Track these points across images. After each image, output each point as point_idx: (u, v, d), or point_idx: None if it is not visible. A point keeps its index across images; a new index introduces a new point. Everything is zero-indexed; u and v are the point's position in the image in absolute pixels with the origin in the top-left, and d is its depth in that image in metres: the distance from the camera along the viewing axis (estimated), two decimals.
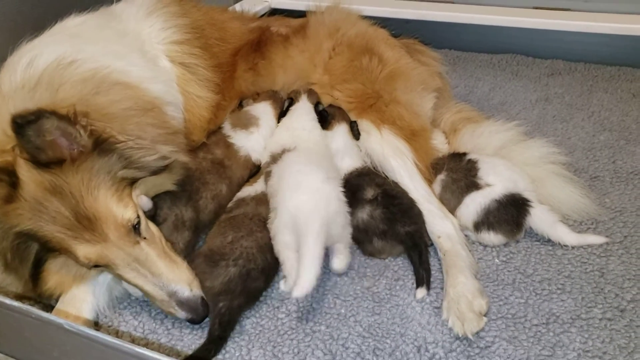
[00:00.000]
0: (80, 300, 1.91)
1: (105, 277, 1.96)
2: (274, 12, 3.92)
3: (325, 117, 2.43)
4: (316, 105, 2.48)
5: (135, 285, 1.80)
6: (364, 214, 2.13)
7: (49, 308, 1.93)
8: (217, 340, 1.83)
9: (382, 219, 2.11)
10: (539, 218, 2.17)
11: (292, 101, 2.48)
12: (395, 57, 2.60)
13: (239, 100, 2.59)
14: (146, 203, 1.90)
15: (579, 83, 3.41)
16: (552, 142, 2.54)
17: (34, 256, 1.75)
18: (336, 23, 2.68)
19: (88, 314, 1.91)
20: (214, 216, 2.21)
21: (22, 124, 1.51)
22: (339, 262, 2.03)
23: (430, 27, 3.83)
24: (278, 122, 2.48)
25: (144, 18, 2.34)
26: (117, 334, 1.92)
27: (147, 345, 1.86)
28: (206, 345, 1.82)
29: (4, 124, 1.64)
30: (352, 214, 2.11)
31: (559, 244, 2.18)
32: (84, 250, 1.68)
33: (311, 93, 2.52)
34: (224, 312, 1.86)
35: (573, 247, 2.17)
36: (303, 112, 2.43)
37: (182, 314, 1.80)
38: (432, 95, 2.66)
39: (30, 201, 1.63)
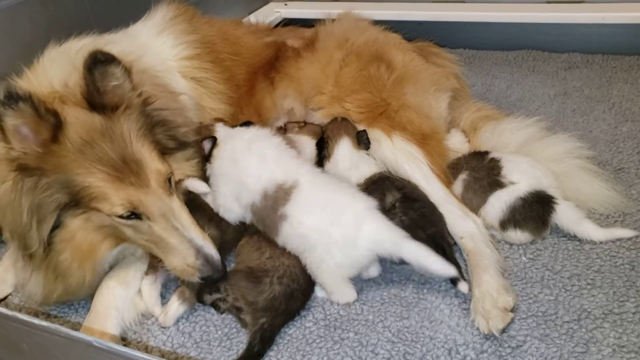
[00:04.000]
0: (104, 316, 1.92)
1: (128, 292, 1.99)
2: (287, 22, 3.93)
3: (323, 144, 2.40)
4: (321, 139, 2.43)
5: (163, 240, 1.83)
6: None
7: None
8: (255, 356, 1.82)
9: (402, 227, 2.08)
10: (565, 215, 2.15)
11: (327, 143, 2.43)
12: (404, 62, 2.59)
13: (284, 123, 2.58)
14: (204, 187, 2.09)
15: (597, 75, 3.38)
16: (574, 136, 2.51)
17: (58, 211, 1.76)
18: (345, 33, 2.68)
19: (113, 329, 1.92)
20: (237, 234, 2.19)
21: (102, 60, 1.72)
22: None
23: (443, 27, 3.84)
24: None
25: (155, 37, 2.42)
26: (146, 349, 1.92)
27: (176, 359, 1.87)
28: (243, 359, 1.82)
29: (53, 78, 1.86)
30: None
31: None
32: (126, 193, 1.75)
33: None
34: (267, 327, 1.85)
35: (601, 242, 2.14)
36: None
37: (204, 269, 1.85)
38: (447, 95, 2.65)
39: (76, 142, 1.71)
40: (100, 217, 1.80)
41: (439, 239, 2.09)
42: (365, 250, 1.94)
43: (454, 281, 2.00)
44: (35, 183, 1.71)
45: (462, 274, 1.99)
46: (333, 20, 2.78)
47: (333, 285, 2.00)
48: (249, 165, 2.10)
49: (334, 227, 1.93)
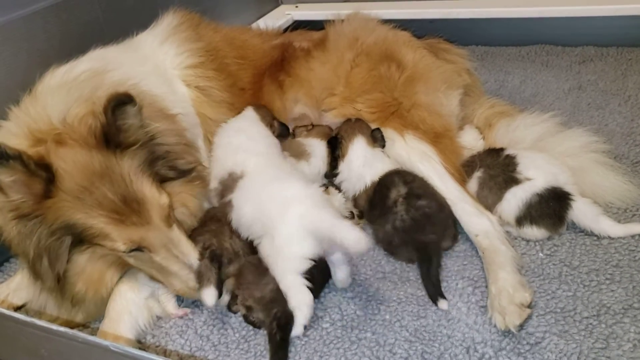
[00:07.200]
0: (117, 321, 1.94)
1: (140, 296, 2.01)
2: (297, 24, 3.93)
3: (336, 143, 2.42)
4: (333, 138, 2.46)
5: (164, 268, 1.88)
6: (389, 225, 2.12)
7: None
8: (282, 344, 1.83)
9: (403, 228, 2.08)
10: (581, 211, 2.13)
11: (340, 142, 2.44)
12: (414, 60, 2.58)
13: (293, 128, 2.59)
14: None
15: (612, 68, 3.35)
16: (589, 130, 2.49)
17: (68, 250, 1.79)
18: (355, 32, 2.68)
19: (127, 333, 1.94)
20: None
21: (124, 102, 1.71)
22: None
23: (455, 24, 3.83)
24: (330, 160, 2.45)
25: (159, 45, 2.43)
26: (165, 353, 1.94)
27: None
28: (274, 354, 1.82)
29: (52, 112, 1.82)
30: (380, 224, 2.15)
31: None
32: (128, 233, 1.77)
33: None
34: (280, 315, 1.86)
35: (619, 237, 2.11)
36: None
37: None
38: (458, 92, 2.65)
39: (72, 190, 1.71)
40: (104, 250, 1.83)
41: (430, 250, 2.06)
42: (296, 230, 1.86)
43: (431, 296, 1.98)
44: (37, 227, 1.74)
45: (441, 290, 1.97)
46: (342, 20, 2.77)
47: (283, 276, 1.89)
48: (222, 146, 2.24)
49: (266, 216, 1.93)
